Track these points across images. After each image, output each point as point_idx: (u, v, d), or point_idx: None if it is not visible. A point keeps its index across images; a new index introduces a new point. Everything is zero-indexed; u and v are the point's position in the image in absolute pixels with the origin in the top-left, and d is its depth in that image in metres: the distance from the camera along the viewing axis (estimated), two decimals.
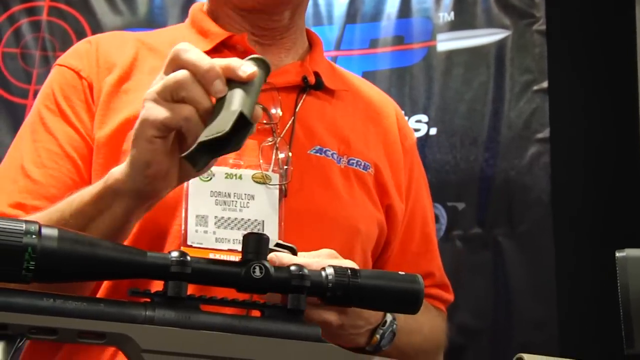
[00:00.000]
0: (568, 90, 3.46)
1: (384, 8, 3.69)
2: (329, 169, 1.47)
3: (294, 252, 1.17)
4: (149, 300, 0.94)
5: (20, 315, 0.86)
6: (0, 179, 1.42)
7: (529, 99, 3.42)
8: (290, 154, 1.44)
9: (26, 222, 0.88)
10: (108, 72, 1.46)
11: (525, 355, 1.05)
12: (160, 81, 1.09)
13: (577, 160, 3.42)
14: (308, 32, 1.61)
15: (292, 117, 1.47)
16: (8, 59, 3.62)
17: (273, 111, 1.46)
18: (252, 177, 1.39)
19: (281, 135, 1.45)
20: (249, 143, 1.42)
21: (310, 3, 1.58)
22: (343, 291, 1.02)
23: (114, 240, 1.19)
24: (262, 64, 1.10)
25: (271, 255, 1.08)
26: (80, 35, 3.54)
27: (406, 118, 1.68)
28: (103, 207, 1.17)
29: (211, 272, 0.97)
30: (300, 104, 1.50)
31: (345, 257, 1.23)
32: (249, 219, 1.36)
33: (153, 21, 3.66)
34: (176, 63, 1.08)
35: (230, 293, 0.99)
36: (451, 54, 3.57)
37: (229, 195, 1.37)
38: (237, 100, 1.03)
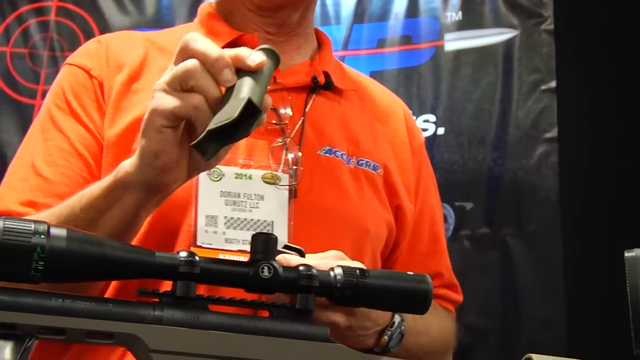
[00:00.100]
0: (576, 89, 3.45)
1: (391, 8, 3.68)
2: (339, 170, 1.47)
3: (301, 254, 1.16)
4: (157, 300, 0.94)
5: (29, 315, 0.86)
6: (11, 178, 1.42)
7: (537, 98, 3.42)
8: (300, 154, 1.44)
9: (35, 222, 0.88)
10: (118, 71, 1.46)
11: (534, 356, 1.04)
12: (169, 71, 1.09)
13: (585, 160, 3.42)
14: (317, 32, 1.61)
15: (302, 118, 1.47)
16: (16, 59, 3.62)
17: (283, 111, 1.46)
18: (262, 178, 1.39)
19: (291, 136, 1.45)
20: (259, 143, 1.42)
21: (317, 3, 1.58)
22: (351, 291, 1.02)
23: (124, 235, 1.19)
24: (272, 54, 1.10)
25: (279, 257, 1.07)
26: (88, 35, 3.54)
27: (414, 118, 1.68)
28: (113, 200, 1.16)
29: (219, 272, 0.97)
30: (310, 104, 1.50)
31: (355, 258, 1.23)
32: (258, 220, 1.36)
33: (161, 21, 3.66)
34: (185, 53, 1.08)
35: (238, 293, 0.99)
36: (459, 54, 3.56)
37: (239, 196, 1.37)
38: (245, 88, 1.03)
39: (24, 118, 3.55)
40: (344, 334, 1.18)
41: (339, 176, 1.46)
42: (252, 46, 1.47)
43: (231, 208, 1.36)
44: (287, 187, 1.40)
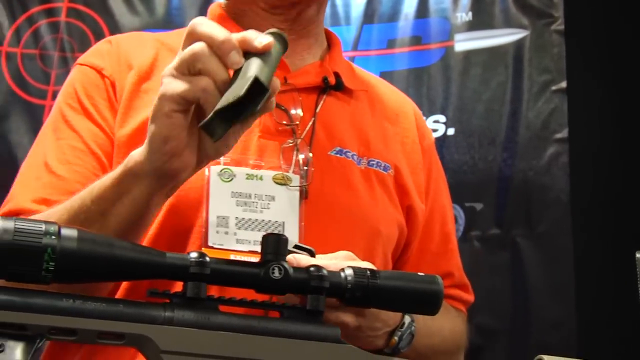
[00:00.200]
0: (587, 90, 3.44)
1: (401, 8, 3.68)
2: (349, 170, 1.47)
3: (312, 254, 1.16)
4: (168, 301, 0.94)
5: (40, 316, 0.86)
6: (23, 177, 1.42)
7: (548, 99, 3.41)
8: (310, 155, 1.44)
9: (46, 222, 0.88)
10: (129, 72, 1.46)
11: (545, 357, 1.04)
12: (178, 56, 1.09)
13: (596, 160, 3.41)
14: (327, 32, 1.61)
15: (313, 118, 1.47)
16: (27, 59, 3.63)
17: (293, 112, 1.46)
18: (273, 178, 1.39)
19: (302, 137, 1.45)
20: (270, 144, 1.42)
21: (328, 3, 1.58)
22: (362, 292, 1.02)
23: (135, 228, 1.19)
24: (280, 38, 1.10)
25: (289, 257, 1.07)
26: (99, 36, 3.55)
27: (424, 118, 1.68)
28: (123, 190, 1.16)
29: (230, 273, 0.97)
30: (320, 105, 1.50)
31: (366, 259, 1.23)
32: (269, 220, 1.36)
33: (171, 22, 3.66)
34: (193, 36, 1.09)
35: (249, 294, 0.99)
36: (469, 54, 3.56)
37: (250, 196, 1.37)
38: (253, 68, 1.04)
39: (34, 119, 3.55)
40: (354, 334, 1.17)
41: (350, 177, 1.46)
42: None
43: (242, 209, 1.36)
44: (298, 187, 1.40)
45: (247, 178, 1.38)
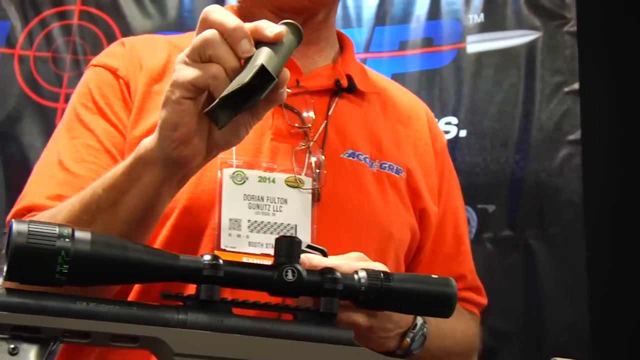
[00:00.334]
0: (599, 91, 3.43)
1: (413, 10, 3.67)
2: (362, 173, 1.47)
3: (324, 254, 1.16)
4: (181, 303, 0.94)
5: (54, 319, 0.87)
6: (37, 176, 1.42)
7: (560, 100, 3.40)
8: (323, 157, 1.43)
9: (59, 225, 0.88)
10: (142, 73, 1.46)
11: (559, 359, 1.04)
12: (190, 44, 1.09)
13: (609, 162, 3.39)
14: (339, 34, 1.61)
15: (325, 121, 1.47)
16: (39, 62, 3.63)
17: (306, 114, 1.46)
18: (285, 181, 1.39)
19: (314, 139, 1.45)
20: (282, 147, 1.42)
21: (339, 5, 1.58)
22: (376, 294, 1.02)
23: (146, 219, 1.18)
24: (294, 29, 1.10)
25: (302, 257, 1.07)
26: (111, 38, 3.55)
27: (436, 120, 1.67)
28: (134, 177, 1.15)
29: (243, 276, 0.97)
30: (332, 108, 1.49)
31: (378, 262, 1.22)
32: (281, 223, 1.36)
33: (183, 24, 3.66)
34: (205, 24, 1.09)
35: (262, 296, 0.99)
36: (481, 56, 3.55)
37: (262, 199, 1.37)
38: (261, 57, 1.03)
39: (46, 121, 3.56)
40: (366, 335, 1.17)
41: (362, 180, 1.46)
42: None
43: (255, 211, 1.36)
44: (311, 190, 1.40)
45: (259, 181, 1.38)
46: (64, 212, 1.22)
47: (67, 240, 0.87)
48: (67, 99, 3.50)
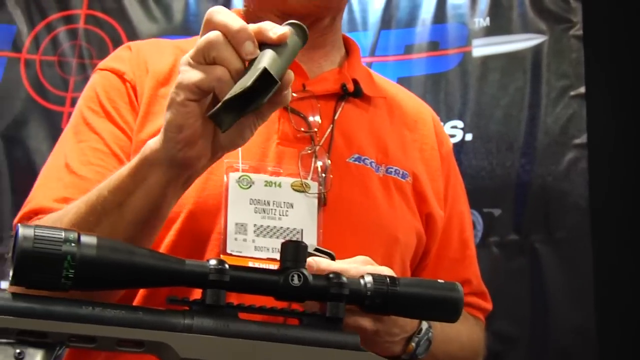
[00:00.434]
0: (605, 95, 3.43)
1: (418, 14, 3.67)
2: (368, 178, 1.47)
3: (332, 258, 1.16)
4: (187, 308, 0.94)
5: (60, 324, 0.87)
6: (43, 179, 1.42)
7: (566, 104, 3.39)
8: (329, 162, 1.43)
9: (65, 230, 0.88)
10: (149, 77, 1.46)
11: None
12: (194, 46, 1.09)
13: (615, 166, 3.39)
14: (345, 39, 1.61)
15: (331, 125, 1.47)
16: (45, 66, 3.64)
17: (312, 119, 1.46)
18: (291, 185, 1.39)
19: (320, 144, 1.45)
20: (288, 151, 1.42)
21: (345, 9, 1.58)
22: (382, 299, 1.02)
23: (152, 221, 1.18)
24: (299, 30, 1.10)
25: (309, 260, 1.07)
26: (117, 42, 3.55)
27: (442, 124, 1.68)
28: (139, 179, 1.15)
29: (249, 280, 0.97)
30: (339, 112, 1.49)
31: (385, 266, 1.22)
32: (287, 228, 1.36)
33: (188, 28, 3.67)
34: (209, 26, 1.09)
35: (268, 301, 0.99)
36: (487, 60, 3.54)
37: (268, 203, 1.37)
38: (265, 59, 1.04)
39: (52, 125, 3.56)
40: (371, 339, 1.17)
41: (368, 184, 1.46)
42: None
43: (261, 216, 1.36)
44: (317, 195, 1.40)
45: (265, 185, 1.38)
46: (70, 215, 1.22)
47: (73, 244, 0.87)
48: (73, 102, 3.50)
